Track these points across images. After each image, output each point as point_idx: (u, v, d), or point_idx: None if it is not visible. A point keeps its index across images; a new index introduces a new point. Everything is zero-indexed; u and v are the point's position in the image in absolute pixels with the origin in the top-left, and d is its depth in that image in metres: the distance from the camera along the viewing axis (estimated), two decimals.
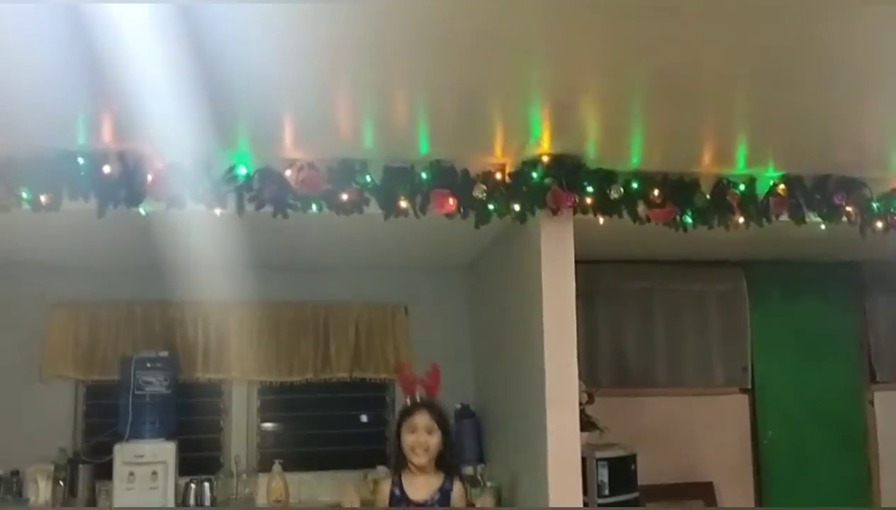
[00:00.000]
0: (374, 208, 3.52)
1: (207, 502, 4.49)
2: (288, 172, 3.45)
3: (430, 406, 3.24)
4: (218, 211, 3.42)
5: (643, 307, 5.18)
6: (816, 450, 5.23)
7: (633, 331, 5.15)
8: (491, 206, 3.56)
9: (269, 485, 4.70)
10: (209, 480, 4.57)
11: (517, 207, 3.55)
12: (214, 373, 4.84)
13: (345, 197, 3.48)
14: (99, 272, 4.67)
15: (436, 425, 3.19)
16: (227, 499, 4.68)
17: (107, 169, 3.31)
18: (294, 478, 4.76)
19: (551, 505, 3.44)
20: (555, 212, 3.50)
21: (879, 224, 3.83)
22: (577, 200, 3.50)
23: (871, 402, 5.36)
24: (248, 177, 3.42)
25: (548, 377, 3.48)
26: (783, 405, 5.26)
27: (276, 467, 4.72)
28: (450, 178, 3.55)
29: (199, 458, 4.74)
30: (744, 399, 5.27)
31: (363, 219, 3.55)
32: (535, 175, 3.47)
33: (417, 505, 3.16)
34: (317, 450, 4.91)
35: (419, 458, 3.16)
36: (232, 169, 3.40)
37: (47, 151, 3.26)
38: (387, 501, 3.20)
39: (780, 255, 5.12)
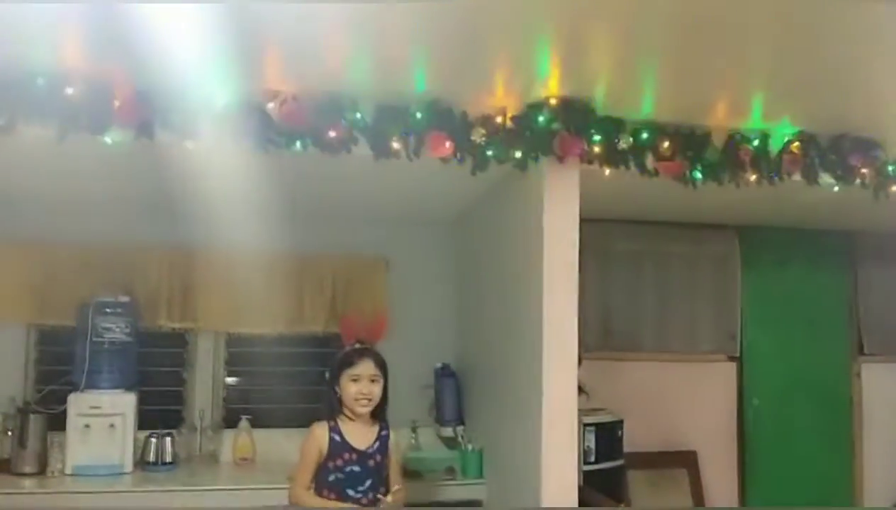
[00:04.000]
0: (363, 148, 3.24)
1: (168, 458, 4.21)
2: (270, 105, 3.15)
3: (374, 354, 3.12)
4: (190, 144, 3.11)
5: (633, 269, 4.98)
6: (801, 421, 5.12)
7: (622, 293, 4.94)
8: (490, 152, 3.30)
9: (235, 442, 4.45)
10: (170, 435, 4.28)
11: (519, 154, 3.30)
12: (179, 322, 4.52)
13: (332, 134, 3.19)
14: (55, 209, 4.30)
15: (379, 373, 3.09)
16: (190, 456, 4.42)
17: (69, 91, 2.96)
18: (262, 435, 4.51)
19: (544, 465, 3.24)
20: (561, 159, 3.25)
21: (895, 188, 3.65)
22: (585, 148, 3.25)
23: (858, 375, 5.25)
24: (227, 108, 3.11)
25: (546, 336, 3.25)
26: (770, 374, 5.12)
27: (244, 423, 4.47)
28: (447, 119, 3.28)
29: (160, 412, 4.45)
30: (731, 367, 5.12)
31: (349, 160, 3.27)
32: (541, 119, 3.20)
33: (361, 452, 3.05)
34: (287, 406, 4.64)
35: (364, 408, 3.06)
36: (209, 98, 3.09)
37: (2, 70, 2.91)
38: (324, 447, 3.04)
39: (775, 220, 4.95)
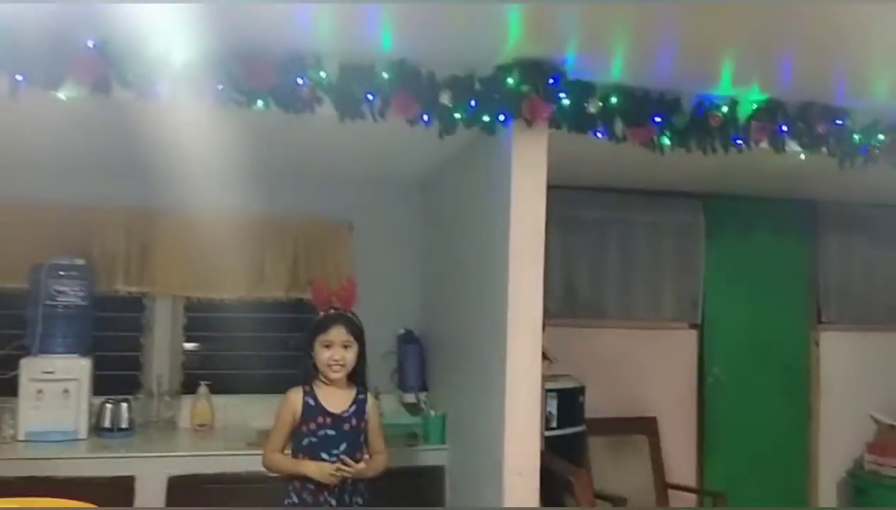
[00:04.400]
0: (327, 109, 3.16)
1: (124, 424, 4.13)
2: (230, 61, 3.04)
3: (347, 320, 3.07)
4: (148, 101, 3.00)
5: (597, 237, 4.95)
6: (760, 388, 5.18)
7: (587, 261, 4.92)
8: (458, 115, 3.24)
9: (193, 408, 4.38)
10: (127, 401, 4.19)
11: (487, 117, 3.24)
12: (136, 286, 4.40)
13: (295, 94, 3.11)
14: (7, 167, 4.15)
15: (353, 339, 3.04)
16: (147, 422, 4.33)
17: (22, 44, 2.84)
18: (221, 401, 4.44)
19: (507, 431, 3.23)
20: (530, 123, 3.19)
21: (859, 157, 3.66)
22: (554, 112, 3.19)
23: (817, 343, 5.31)
24: (186, 64, 3.00)
25: (511, 302, 3.21)
26: (730, 342, 5.16)
27: (202, 389, 4.39)
28: (414, 80, 3.21)
29: (116, 377, 4.35)
30: (692, 334, 5.14)
31: (312, 121, 3.19)
32: (510, 81, 3.14)
33: (336, 416, 3.01)
34: (247, 372, 4.56)
35: (336, 374, 3.02)
36: (167, 53, 2.97)
37: None
38: (298, 411, 3.01)
39: (738, 189, 4.97)
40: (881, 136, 3.64)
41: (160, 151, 3.88)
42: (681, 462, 5.05)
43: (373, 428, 3.12)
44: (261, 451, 3.14)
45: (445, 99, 3.22)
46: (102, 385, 4.16)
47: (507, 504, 3.23)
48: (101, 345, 4.27)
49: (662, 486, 4.90)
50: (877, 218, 5.37)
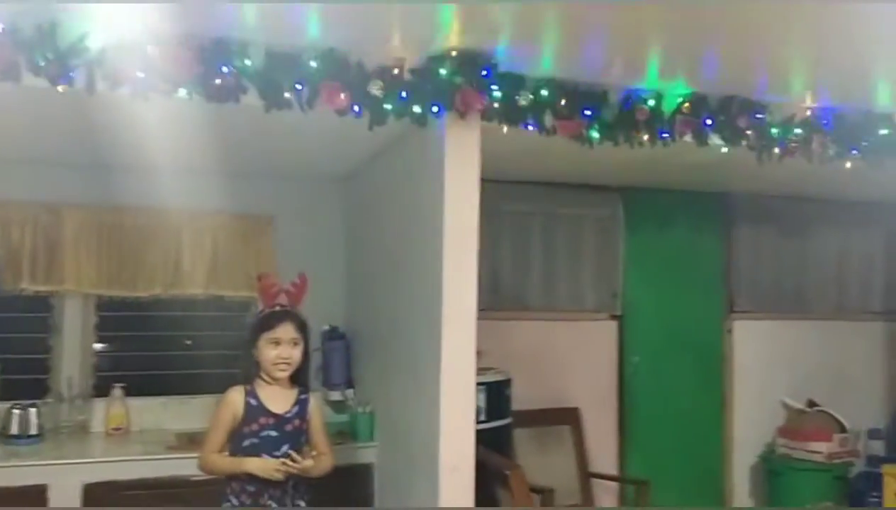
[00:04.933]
0: (252, 98, 3.04)
1: (34, 430, 3.93)
2: (152, 48, 2.90)
3: (295, 317, 2.98)
4: (61, 88, 2.82)
5: (521, 230, 4.97)
6: (677, 377, 5.29)
7: (510, 253, 4.93)
8: (388, 106, 3.17)
9: (107, 412, 4.20)
10: (35, 406, 3.98)
11: (418, 108, 3.18)
12: (43, 285, 4.18)
13: (219, 82, 2.98)
14: None
15: (300, 337, 2.95)
16: (57, 427, 4.12)
17: None
18: (137, 403, 4.27)
19: (442, 426, 3.19)
20: (463, 115, 3.15)
21: (777, 150, 3.76)
22: (487, 104, 3.16)
23: (730, 331, 5.46)
24: (102, 50, 2.84)
25: (445, 296, 3.17)
26: (649, 331, 5.26)
27: (117, 392, 4.21)
28: (342, 69, 3.11)
29: (23, 381, 4.15)
30: (613, 325, 5.22)
31: (236, 111, 3.07)
32: (443, 71, 3.09)
33: (278, 416, 2.91)
34: (164, 374, 4.40)
35: (283, 372, 2.93)
36: (83, 39, 2.81)
37: None
38: (239, 411, 2.89)
39: (656, 182, 5.06)
40: (798, 130, 3.74)
41: (69, 142, 3.69)
42: (603, 451, 5.13)
43: (316, 428, 3.03)
44: (183, 455, 3.02)
45: (375, 89, 3.14)
46: (8, 390, 3.97)
47: (442, 499, 3.20)
48: (6, 348, 4.07)
49: (586, 476, 4.97)
50: (785, 210, 5.55)
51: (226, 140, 3.74)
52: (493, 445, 4.13)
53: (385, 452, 3.94)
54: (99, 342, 4.39)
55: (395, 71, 3.16)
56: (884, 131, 3.88)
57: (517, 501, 3.29)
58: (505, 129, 3.33)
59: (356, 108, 3.14)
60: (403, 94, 3.16)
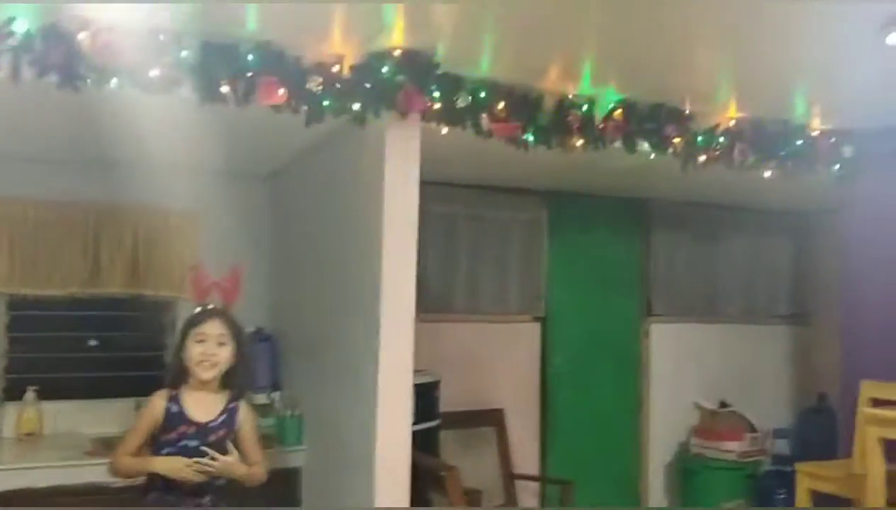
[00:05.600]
0: (186, 91, 2.95)
1: None
2: (82, 35, 2.78)
3: (224, 315, 2.85)
4: None
5: (447, 232, 4.98)
6: (597, 378, 5.41)
7: (436, 256, 4.93)
8: (326, 103, 3.13)
9: (19, 416, 4.00)
10: None
11: (357, 106, 3.15)
12: None
13: (153, 73, 2.88)
14: None
15: (229, 336, 2.80)
16: None
17: None
18: (51, 407, 4.08)
19: (379, 429, 3.16)
20: (404, 115, 3.14)
21: (702, 158, 3.88)
22: (428, 104, 3.16)
23: (647, 334, 5.61)
24: (28, 35, 2.71)
25: (384, 298, 3.15)
26: (571, 334, 5.35)
27: (29, 395, 4.02)
28: (280, 64, 3.05)
29: None
30: (536, 327, 5.29)
31: (162, 102, 2.97)
32: (384, 70, 3.07)
33: (200, 425, 2.76)
34: (81, 376, 4.22)
35: (206, 372, 2.76)
36: (8, 23, 2.67)
37: None
38: (159, 417, 2.74)
39: (579, 187, 5.16)
40: (721, 139, 3.87)
41: None
42: (527, 452, 5.18)
43: (246, 438, 2.85)
44: (101, 461, 2.86)
45: (314, 86, 3.10)
46: None
47: (377, 502, 3.17)
48: None
49: (510, 477, 5.01)
50: (700, 217, 5.74)
51: (149, 131, 3.61)
52: (421, 447, 4.12)
53: (315, 456, 3.88)
54: (11, 343, 4.17)
55: (335, 68, 3.12)
56: (798, 142, 4.07)
57: (452, 503, 3.28)
58: (444, 130, 3.34)
59: (293, 104, 3.09)
60: (342, 91, 3.12)
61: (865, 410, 3.75)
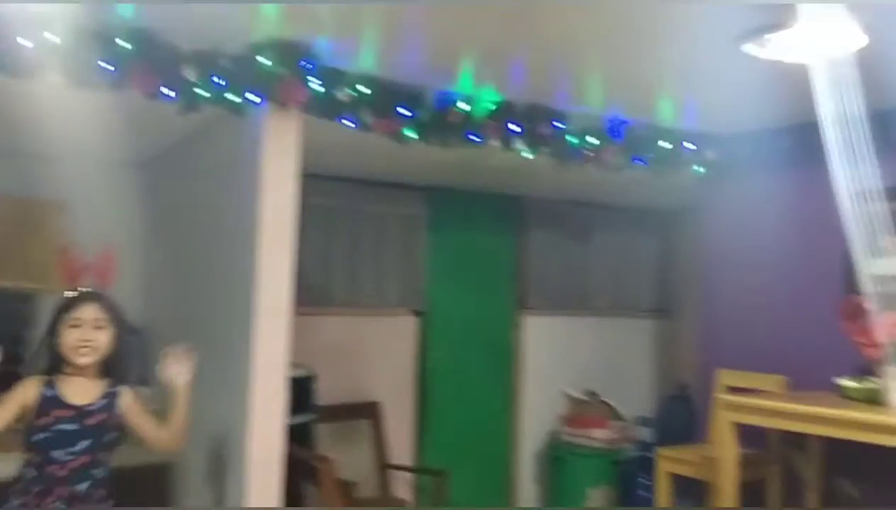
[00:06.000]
0: (56, 76, 2.84)
1: None
2: None
3: (100, 298, 2.76)
4: None
5: (326, 225, 4.97)
6: (473, 370, 5.54)
7: (314, 248, 4.90)
8: (201, 92, 3.07)
9: None
10: None
11: (234, 96, 3.10)
12: None
13: (19, 56, 2.75)
14: None
15: (107, 320, 2.73)
16: None
17: None
18: None
19: (253, 424, 3.15)
20: (283, 106, 3.12)
21: (574, 158, 4.03)
22: (308, 96, 3.15)
23: (520, 327, 5.76)
24: None
25: (260, 289, 3.13)
26: (448, 327, 5.45)
27: None
28: (154, 51, 2.98)
29: None
30: (414, 320, 5.35)
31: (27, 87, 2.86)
32: (263, 61, 3.04)
33: (77, 408, 2.67)
34: None
35: (84, 358, 2.68)
36: None
37: None
38: (29, 401, 2.63)
39: (459, 183, 5.26)
40: (592, 140, 4.03)
41: None
42: (403, 443, 5.24)
43: (136, 417, 2.81)
44: None
45: (190, 74, 3.04)
46: None
47: (250, 496, 3.14)
48: None
49: (384, 468, 5.05)
50: (572, 214, 5.94)
51: (16, 118, 3.45)
52: (296, 441, 4.11)
53: (186, 451, 3.79)
54: None
55: (212, 56, 3.07)
56: (665, 144, 4.28)
57: (327, 494, 3.30)
58: (324, 123, 3.34)
59: (168, 92, 3.02)
60: (220, 80, 3.08)
61: (721, 397, 4.00)
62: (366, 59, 3.29)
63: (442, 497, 4.75)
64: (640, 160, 4.27)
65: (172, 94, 3.01)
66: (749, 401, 3.72)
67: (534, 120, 3.87)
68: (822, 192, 3.80)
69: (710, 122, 4.27)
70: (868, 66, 3.05)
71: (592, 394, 5.80)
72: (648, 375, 6.31)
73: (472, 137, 3.72)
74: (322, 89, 3.24)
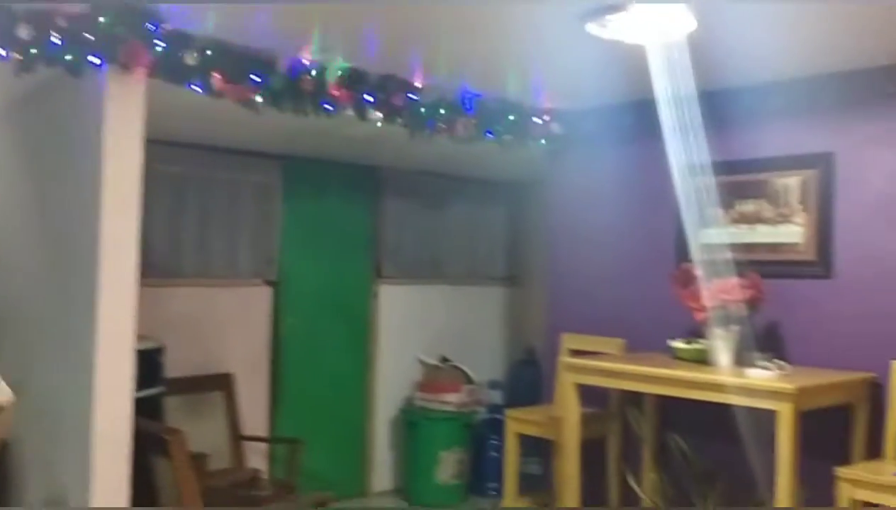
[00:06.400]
0: None
1: None
2: None
3: None
4: None
5: (174, 193, 4.83)
6: (328, 339, 5.57)
7: (162, 218, 4.77)
8: (37, 52, 2.91)
9: None
10: None
11: (71, 57, 2.96)
12: None
13: None
14: None
15: None
16: None
17: None
18: None
19: (98, 399, 3.05)
20: (126, 69, 3.00)
21: (426, 129, 4.08)
22: (152, 60, 3.04)
23: (376, 295, 5.82)
24: None
25: (104, 259, 3.02)
26: (303, 296, 5.44)
27: None
28: None
29: None
30: (268, 291, 5.30)
31: None
32: (103, 21, 2.91)
33: None
34: None
35: None
36: None
37: None
38: None
39: (314, 152, 5.23)
40: (443, 111, 4.10)
41: None
42: (258, 414, 5.21)
43: None
44: None
45: (24, 34, 2.88)
46: None
47: (95, 471, 3.06)
48: None
49: (237, 439, 5.01)
50: (427, 185, 6.05)
51: None
52: (145, 414, 4.00)
53: (25, 427, 3.63)
54: None
55: (49, 15, 2.92)
56: (513, 118, 4.40)
57: (178, 467, 3.24)
58: (172, 88, 3.24)
59: (1, 52, 2.85)
60: (57, 41, 2.93)
61: (564, 360, 4.20)
62: (214, 22, 3.21)
63: (295, 466, 4.77)
64: (491, 133, 4.38)
65: (3, 53, 2.84)
66: (589, 363, 3.93)
67: (387, 90, 3.88)
68: (658, 166, 4.06)
69: (556, 97, 4.42)
70: (698, 49, 3.26)
71: (445, 359, 5.96)
72: (499, 341, 6.53)
73: (325, 106, 3.70)
74: (168, 52, 3.13)
